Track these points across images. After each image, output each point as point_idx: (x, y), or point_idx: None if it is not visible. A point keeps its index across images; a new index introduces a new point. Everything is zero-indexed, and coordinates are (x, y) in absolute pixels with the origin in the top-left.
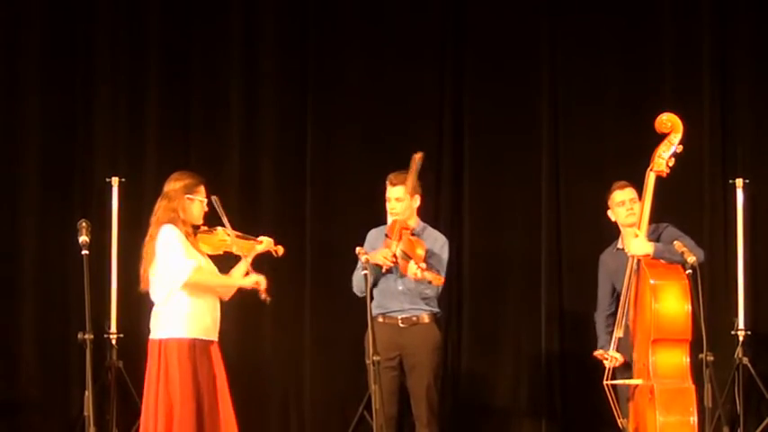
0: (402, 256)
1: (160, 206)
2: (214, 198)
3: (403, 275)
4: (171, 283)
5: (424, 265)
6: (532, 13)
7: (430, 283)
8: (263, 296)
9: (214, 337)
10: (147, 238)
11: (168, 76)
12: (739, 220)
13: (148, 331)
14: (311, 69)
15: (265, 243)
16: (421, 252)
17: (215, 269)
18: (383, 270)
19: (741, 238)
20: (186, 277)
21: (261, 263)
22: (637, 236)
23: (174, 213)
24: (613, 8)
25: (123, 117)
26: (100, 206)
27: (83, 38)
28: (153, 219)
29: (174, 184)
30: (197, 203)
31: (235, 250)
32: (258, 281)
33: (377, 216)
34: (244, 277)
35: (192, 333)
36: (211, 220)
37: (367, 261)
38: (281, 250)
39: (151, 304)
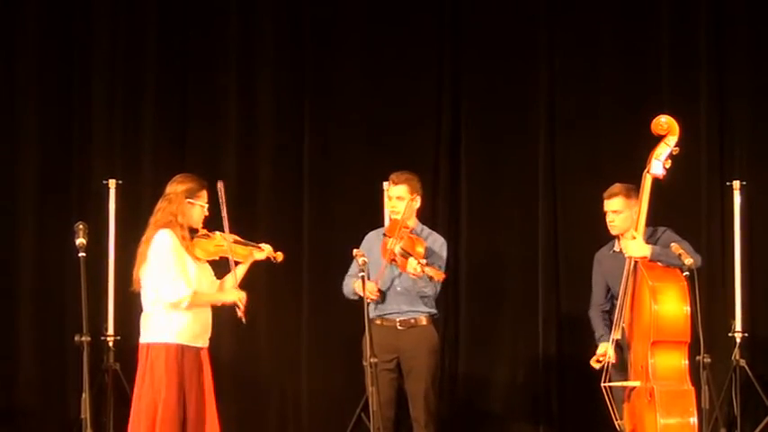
0: (402, 254)
1: (160, 208)
2: (219, 184)
3: (401, 274)
4: (161, 301)
5: (424, 261)
6: (530, 16)
7: (431, 279)
8: (240, 315)
9: (203, 343)
10: (143, 240)
11: (165, 78)
12: (737, 222)
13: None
14: (308, 72)
15: (266, 250)
16: (421, 250)
17: (210, 274)
18: (366, 301)
19: (738, 239)
20: (185, 304)
21: (258, 265)
22: (634, 238)
23: (172, 217)
24: (611, 10)
25: (120, 119)
26: (97, 208)
27: (80, 40)
28: (152, 220)
29: (176, 187)
30: (197, 208)
31: (231, 256)
32: (240, 298)
33: (374, 219)
34: (232, 289)
35: (180, 339)
36: (210, 222)
37: (364, 263)
38: (280, 257)
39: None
